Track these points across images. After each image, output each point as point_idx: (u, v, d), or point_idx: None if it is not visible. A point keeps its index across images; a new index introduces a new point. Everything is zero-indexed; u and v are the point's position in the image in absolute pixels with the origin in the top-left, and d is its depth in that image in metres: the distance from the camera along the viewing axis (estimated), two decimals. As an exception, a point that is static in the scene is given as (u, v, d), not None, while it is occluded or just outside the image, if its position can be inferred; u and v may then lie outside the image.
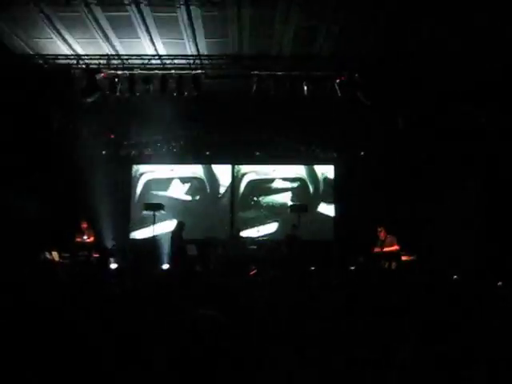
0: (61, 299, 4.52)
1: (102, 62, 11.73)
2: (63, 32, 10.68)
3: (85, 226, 12.42)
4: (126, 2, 9.43)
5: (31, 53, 11.48)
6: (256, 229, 13.94)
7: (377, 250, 12.01)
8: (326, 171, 15.16)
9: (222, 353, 1.86)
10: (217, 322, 1.93)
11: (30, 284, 5.44)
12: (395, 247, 11.77)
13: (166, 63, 11.82)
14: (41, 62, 11.68)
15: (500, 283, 7.16)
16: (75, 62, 11.69)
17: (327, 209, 14.96)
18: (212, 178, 15.16)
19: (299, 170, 15.20)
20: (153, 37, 10.87)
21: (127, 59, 11.77)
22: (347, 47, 11.23)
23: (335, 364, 2.66)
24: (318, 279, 8.14)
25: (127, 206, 14.78)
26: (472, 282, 6.19)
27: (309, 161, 14.98)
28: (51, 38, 10.92)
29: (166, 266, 12.60)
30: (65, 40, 11.01)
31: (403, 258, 11.45)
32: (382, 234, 12.04)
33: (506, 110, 10.25)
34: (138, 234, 14.47)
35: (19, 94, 11.23)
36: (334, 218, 14.82)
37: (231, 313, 2.35)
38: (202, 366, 1.78)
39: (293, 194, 14.96)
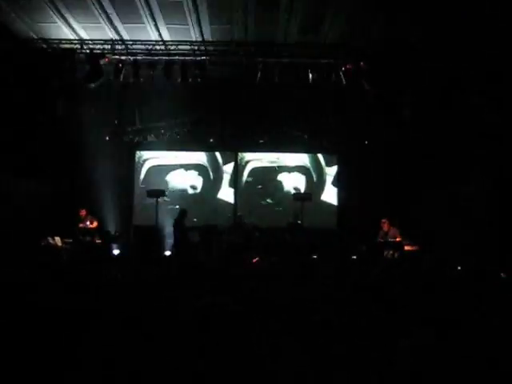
0: (63, 284, 4.51)
1: (106, 47, 11.70)
2: (67, 16, 10.63)
3: (83, 213, 12.40)
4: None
5: (35, 37, 11.44)
6: (259, 216, 13.91)
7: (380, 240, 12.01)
8: (329, 160, 15.11)
9: (233, 339, 1.83)
10: (228, 309, 1.90)
11: (32, 271, 5.45)
12: (398, 240, 11.75)
13: (170, 49, 11.76)
14: (45, 46, 11.63)
15: (503, 274, 7.14)
16: (79, 46, 11.67)
17: (330, 197, 14.92)
18: (215, 165, 15.11)
19: (303, 159, 15.14)
20: (157, 22, 10.81)
21: (131, 45, 11.73)
22: (353, 35, 11.16)
23: (336, 355, 2.64)
24: (321, 268, 8.13)
25: (130, 192, 14.75)
26: (475, 274, 6.17)
27: (312, 149, 14.92)
28: (55, 23, 10.88)
29: (168, 253, 12.62)
30: (69, 24, 10.96)
31: (406, 247, 11.42)
32: (385, 226, 12.01)
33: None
34: (141, 220, 14.43)
35: (22, 78, 11.20)
36: (338, 206, 14.79)
37: (234, 300, 2.33)
38: (212, 352, 1.76)
39: (296, 182, 14.92)
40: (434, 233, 12.33)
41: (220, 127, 14.36)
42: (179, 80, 11.89)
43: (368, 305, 3.41)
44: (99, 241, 12.25)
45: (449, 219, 12.19)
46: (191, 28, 11.05)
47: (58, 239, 11.27)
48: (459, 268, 8.48)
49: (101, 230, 12.52)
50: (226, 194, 15.02)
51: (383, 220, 12.07)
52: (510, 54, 10.19)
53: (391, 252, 11.46)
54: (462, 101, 11.27)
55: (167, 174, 14.98)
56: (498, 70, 10.51)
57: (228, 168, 15.08)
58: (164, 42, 11.68)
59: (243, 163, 15.14)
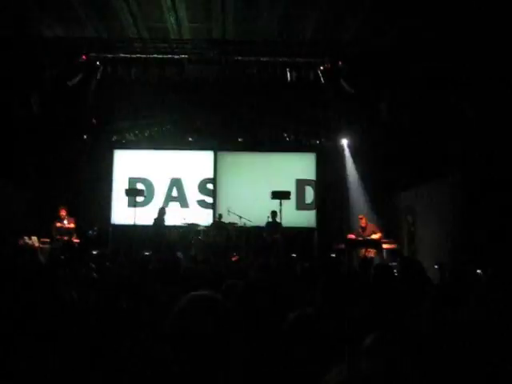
0: (41, 284, 4.46)
1: (84, 44, 11.59)
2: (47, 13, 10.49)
3: (63, 213, 12.26)
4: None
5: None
6: (238, 215, 13.90)
7: (351, 236, 12.02)
8: (308, 158, 15.16)
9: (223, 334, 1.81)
10: (217, 303, 1.88)
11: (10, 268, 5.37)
12: (379, 235, 11.83)
13: (148, 47, 11.69)
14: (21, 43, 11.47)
15: (479, 271, 7.22)
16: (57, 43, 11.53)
17: (309, 196, 14.97)
18: (194, 164, 15.08)
19: (282, 157, 15.17)
20: (136, 20, 10.75)
21: (110, 43, 11.64)
22: (332, 34, 11.21)
23: (320, 351, 2.65)
24: (300, 266, 8.15)
25: (109, 192, 14.65)
26: (452, 272, 6.23)
27: (291, 148, 14.95)
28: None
29: (147, 252, 12.54)
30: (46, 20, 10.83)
31: (385, 246, 11.52)
32: (362, 222, 12.12)
33: (492, 101, 10.30)
34: (119, 220, 14.34)
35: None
36: (316, 205, 14.84)
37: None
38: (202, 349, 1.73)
39: (275, 180, 14.91)
40: (413, 231, 12.48)
41: (199, 126, 14.35)
42: (157, 78, 11.85)
43: (343, 302, 3.41)
44: (77, 240, 12.14)
45: (426, 216, 12.33)
46: (170, 26, 11.01)
47: (34, 239, 11.14)
48: (436, 266, 8.56)
49: (78, 230, 12.40)
50: (205, 192, 15.00)
51: (360, 216, 12.20)
52: (487, 52, 10.31)
53: (369, 250, 11.55)
54: (439, 98, 11.38)
55: (146, 172, 14.90)
56: (473, 67, 10.64)
57: (207, 167, 15.06)
58: (142, 40, 11.62)
59: (222, 162, 15.13)
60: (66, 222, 12.20)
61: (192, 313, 1.80)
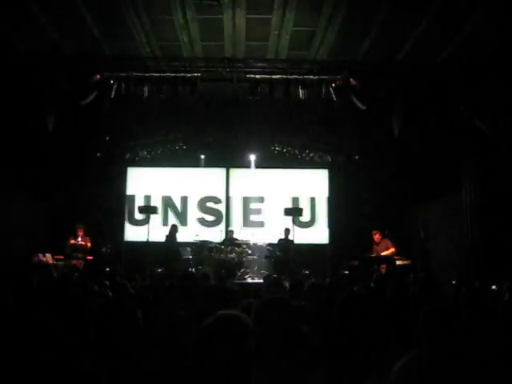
0: (53, 300, 4.47)
1: (97, 62, 11.70)
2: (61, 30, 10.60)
3: (80, 232, 12.35)
4: (122, 4, 9.43)
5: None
6: (250, 232, 13.90)
7: (371, 254, 12.04)
8: (320, 175, 15.14)
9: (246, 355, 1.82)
10: (241, 323, 1.88)
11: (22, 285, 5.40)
12: (391, 250, 11.80)
13: (162, 65, 11.80)
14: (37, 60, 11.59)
15: (494, 287, 7.15)
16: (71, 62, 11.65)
17: (322, 212, 14.92)
18: (207, 181, 15.10)
19: (294, 174, 15.16)
20: (149, 39, 10.86)
21: (123, 61, 11.74)
22: (343, 51, 11.26)
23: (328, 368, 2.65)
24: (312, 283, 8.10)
25: (121, 209, 14.70)
26: (467, 288, 6.19)
27: (303, 165, 14.94)
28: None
29: (160, 269, 12.55)
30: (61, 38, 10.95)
31: (398, 262, 11.46)
32: (376, 237, 12.12)
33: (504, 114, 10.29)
34: (133, 237, 14.36)
35: (12, 93, 11.13)
36: (329, 221, 14.79)
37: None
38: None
39: (287, 197, 14.91)
40: (427, 247, 12.40)
41: (211, 143, 14.40)
42: (170, 96, 11.94)
43: (357, 321, 3.39)
44: (90, 257, 12.18)
45: (439, 232, 12.26)
46: (182, 45, 11.12)
47: (48, 256, 11.20)
48: (453, 282, 8.49)
49: (92, 247, 12.46)
50: (218, 209, 15.00)
51: (374, 231, 12.18)
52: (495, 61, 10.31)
53: (383, 266, 11.48)
54: (450, 112, 11.37)
55: (159, 189, 14.94)
56: (482, 78, 10.65)
57: (219, 184, 15.07)
58: (155, 59, 11.72)
59: (234, 179, 15.14)
60: (80, 239, 12.29)
61: (220, 331, 1.81)
